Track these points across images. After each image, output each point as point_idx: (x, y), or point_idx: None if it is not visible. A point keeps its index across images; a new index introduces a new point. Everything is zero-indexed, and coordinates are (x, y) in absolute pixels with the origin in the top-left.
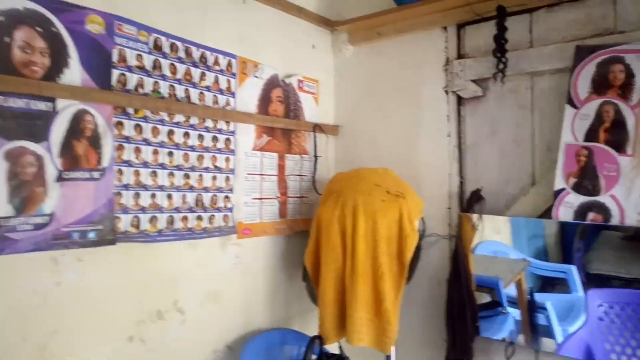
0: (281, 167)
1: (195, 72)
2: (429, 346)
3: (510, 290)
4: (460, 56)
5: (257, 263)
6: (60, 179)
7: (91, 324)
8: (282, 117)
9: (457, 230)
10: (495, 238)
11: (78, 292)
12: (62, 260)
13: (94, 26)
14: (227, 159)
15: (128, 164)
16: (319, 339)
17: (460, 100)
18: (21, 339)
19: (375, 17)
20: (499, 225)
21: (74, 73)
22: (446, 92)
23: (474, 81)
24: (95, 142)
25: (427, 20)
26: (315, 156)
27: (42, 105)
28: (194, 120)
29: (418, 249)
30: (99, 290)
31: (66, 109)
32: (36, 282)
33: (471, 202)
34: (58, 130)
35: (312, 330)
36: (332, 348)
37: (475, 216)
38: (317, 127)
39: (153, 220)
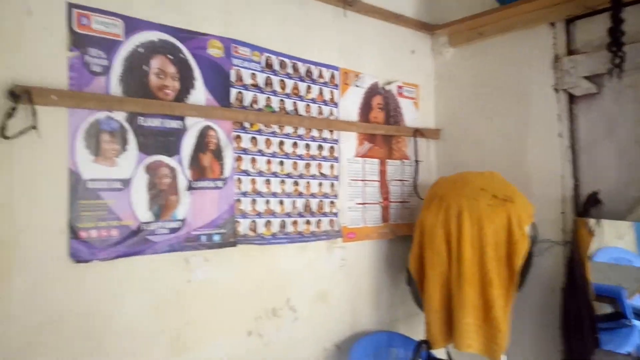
0: (383, 173)
1: (302, 86)
2: (542, 356)
3: (635, 301)
4: (570, 52)
5: (362, 266)
6: (190, 188)
7: (216, 318)
8: (382, 123)
9: (572, 236)
10: (617, 244)
11: (205, 289)
12: (192, 260)
13: (215, 50)
14: (332, 166)
15: (246, 173)
16: (426, 343)
17: (571, 99)
18: (160, 329)
19: (477, 18)
20: (621, 231)
21: (199, 93)
22: (556, 90)
23: (586, 78)
24: (218, 154)
25: (533, 17)
26: (417, 161)
27: (174, 124)
28: (301, 131)
29: (530, 256)
30: (223, 287)
31: (193, 126)
32: (171, 279)
33: (587, 206)
34: (187, 145)
35: (418, 334)
36: (439, 353)
37: (592, 221)
38: (417, 132)
39: (268, 224)
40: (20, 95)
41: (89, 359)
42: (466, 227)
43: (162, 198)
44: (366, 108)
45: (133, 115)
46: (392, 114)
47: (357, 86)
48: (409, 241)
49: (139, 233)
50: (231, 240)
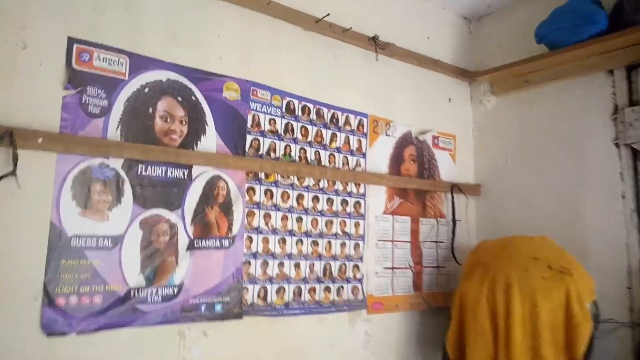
0: (415, 233)
1: (326, 134)
2: None
3: None
4: (633, 103)
5: (390, 343)
6: (191, 247)
7: None
8: (415, 177)
9: None
10: None
11: None
12: (189, 335)
13: (231, 93)
14: (357, 224)
15: (257, 231)
16: None
17: (636, 155)
18: None
19: (524, 64)
20: None
21: (210, 140)
22: (617, 145)
23: None
24: (227, 208)
25: (588, 63)
26: (454, 220)
27: (178, 173)
28: (323, 184)
29: (590, 340)
30: None
31: (201, 175)
32: (163, 356)
33: None
34: (192, 197)
35: None
36: None
37: None
38: (455, 187)
39: (280, 291)
40: (2, 136)
41: None
42: (516, 304)
43: (157, 259)
44: (397, 159)
45: (132, 162)
46: (426, 167)
47: (387, 135)
48: (445, 313)
49: (127, 301)
50: (236, 310)
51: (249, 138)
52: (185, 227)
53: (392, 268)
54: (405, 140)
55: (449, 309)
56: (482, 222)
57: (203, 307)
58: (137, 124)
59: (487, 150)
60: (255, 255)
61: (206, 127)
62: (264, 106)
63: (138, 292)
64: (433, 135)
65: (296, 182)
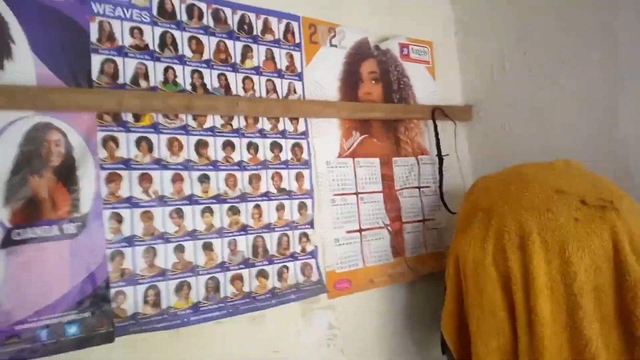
0: (387, 178)
1: (234, 47)
2: None
3: None
4: None
5: (366, 334)
6: (7, 243)
7: None
8: (380, 101)
9: None
10: None
11: None
12: None
13: None
14: (299, 176)
15: (130, 202)
16: None
17: None
18: None
19: None
20: None
21: (22, 66)
22: None
23: None
24: (67, 174)
25: None
26: (440, 156)
27: None
28: (238, 122)
29: None
30: None
31: (12, 125)
32: None
33: None
34: (1, 162)
35: None
36: None
37: None
38: (437, 111)
39: (183, 288)
40: None
41: None
42: (539, 263)
43: None
44: (352, 80)
45: None
46: (395, 88)
47: (333, 45)
48: (440, 282)
49: None
50: (104, 330)
51: (96, 59)
52: None
53: (360, 230)
54: (360, 52)
55: (443, 277)
56: (478, 155)
57: (44, 334)
58: None
59: (477, 57)
60: (130, 240)
61: (11, 45)
62: (118, 8)
63: None
64: (400, 43)
65: (192, 122)
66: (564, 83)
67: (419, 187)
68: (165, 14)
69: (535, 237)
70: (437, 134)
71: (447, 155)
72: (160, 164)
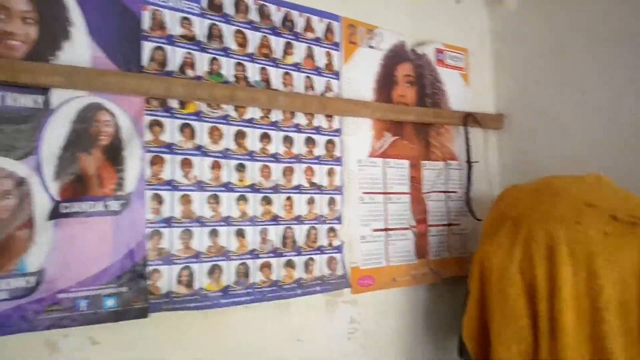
0: (415, 181)
1: (277, 43)
2: None
3: None
4: None
5: (386, 331)
6: (55, 214)
7: None
8: (413, 105)
9: None
10: None
11: None
12: (64, 346)
13: None
14: (331, 172)
15: (170, 185)
16: None
17: None
18: None
19: None
20: None
21: (79, 48)
22: None
23: None
24: (114, 154)
25: None
26: (469, 162)
27: (27, 100)
28: (276, 116)
29: None
30: None
31: (66, 103)
32: None
33: None
34: (54, 137)
35: None
36: None
37: None
38: (469, 118)
39: (215, 272)
40: None
41: None
42: (566, 274)
43: None
44: (387, 81)
45: None
46: (428, 92)
47: (371, 47)
48: (462, 287)
49: None
50: (139, 305)
51: (146, 47)
52: (44, 183)
53: (386, 230)
54: (397, 55)
55: (466, 280)
56: (507, 164)
57: (83, 304)
58: None
59: (511, 67)
60: (168, 221)
61: (70, 28)
62: None
63: None
64: (437, 49)
65: (232, 113)
66: (596, 98)
67: (445, 192)
68: (214, 6)
69: (563, 248)
70: (467, 140)
71: (477, 162)
72: (201, 151)
